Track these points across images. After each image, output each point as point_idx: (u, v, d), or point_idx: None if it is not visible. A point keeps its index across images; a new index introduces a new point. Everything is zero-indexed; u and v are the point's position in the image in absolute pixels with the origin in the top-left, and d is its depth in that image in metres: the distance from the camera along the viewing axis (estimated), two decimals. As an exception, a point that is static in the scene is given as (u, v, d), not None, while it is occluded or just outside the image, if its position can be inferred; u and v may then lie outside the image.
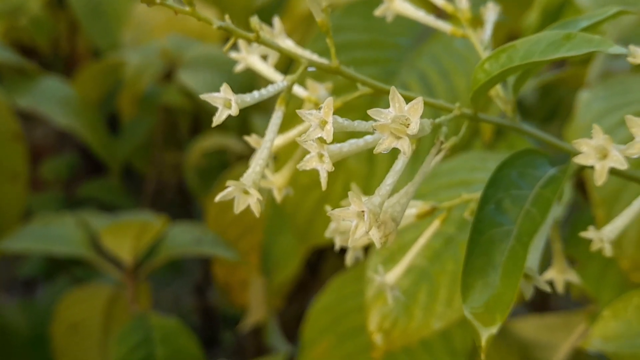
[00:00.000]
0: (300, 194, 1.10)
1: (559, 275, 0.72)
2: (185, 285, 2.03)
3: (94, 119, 1.76)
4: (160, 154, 1.91)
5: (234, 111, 0.53)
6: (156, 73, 1.75)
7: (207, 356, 1.60)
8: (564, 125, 1.03)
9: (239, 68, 0.68)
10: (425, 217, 0.68)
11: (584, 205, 1.06)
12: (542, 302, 1.48)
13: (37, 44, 2.05)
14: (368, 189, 1.08)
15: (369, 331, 0.93)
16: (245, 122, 1.57)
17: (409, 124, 0.50)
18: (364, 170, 1.08)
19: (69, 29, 2.12)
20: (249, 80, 1.50)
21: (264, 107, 1.44)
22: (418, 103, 0.49)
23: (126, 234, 1.34)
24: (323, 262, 1.68)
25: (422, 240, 0.69)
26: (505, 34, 1.39)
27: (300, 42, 1.50)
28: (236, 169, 1.52)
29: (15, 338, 1.60)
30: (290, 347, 1.52)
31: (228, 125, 1.57)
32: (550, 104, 1.42)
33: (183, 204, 2.05)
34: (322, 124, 0.51)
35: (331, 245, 0.68)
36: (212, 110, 0.55)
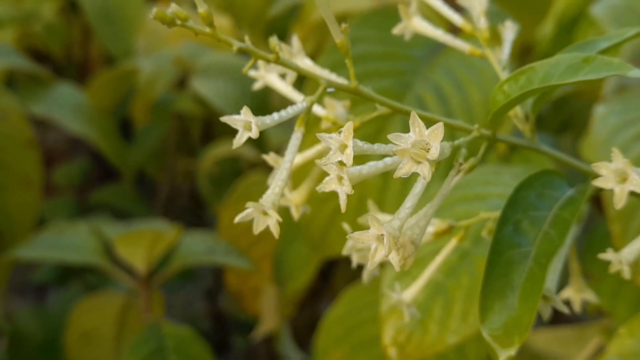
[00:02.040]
0: (314, 205, 1.10)
1: (576, 295, 0.72)
2: (196, 290, 2.04)
3: (107, 125, 1.76)
4: (173, 160, 1.92)
5: (254, 134, 0.53)
6: (169, 80, 1.75)
7: (219, 362, 1.60)
8: (580, 139, 1.03)
9: (257, 86, 0.68)
10: (442, 235, 0.68)
11: (599, 219, 1.06)
12: (555, 314, 1.48)
13: (51, 50, 2.06)
14: (382, 201, 1.08)
15: (384, 345, 0.93)
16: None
17: (429, 149, 0.50)
18: (378, 182, 1.08)
19: (82, 35, 2.13)
20: (262, 91, 1.50)
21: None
22: (439, 128, 0.49)
23: (140, 243, 1.34)
24: (335, 269, 1.68)
25: (439, 258, 0.69)
26: (520, 44, 1.39)
27: (314, 51, 1.51)
28: (249, 177, 1.52)
29: (27, 343, 1.61)
30: (302, 355, 1.53)
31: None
32: (563, 115, 1.42)
33: (195, 210, 2.05)
34: (342, 147, 0.51)
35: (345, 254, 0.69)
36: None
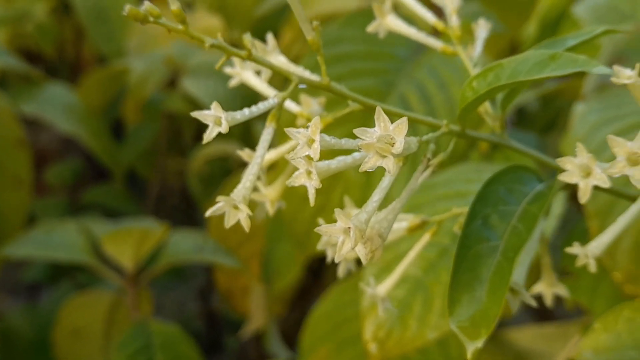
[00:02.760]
0: (298, 203, 1.11)
1: (547, 289, 0.73)
2: (189, 291, 2.04)
3: (98, 125, 1.77)
4: (164, 160, 1.92)
5: (224, 129, 0.54)
6: (160, 80, 1.76)
7: (210, 362, 1.61)
8: (560, 137, 1.04)
9: (233, 83, 0.69)
10: (415, 230, 0.69)
11: (579, 217, 1.06)
12: (545, 310, 1.49)
13: (43, 50, 2.06)
14: (364, 199, 1.08)
15: (364, 340, 0.94)
16: (247, 130, 1.58)
17: (394, 143, 0.51)
18: (361, 179, 1.09)
19: (74, 35, 2.14)
20: (251, 91, 1.51)
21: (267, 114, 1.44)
22: (402, 123, 0.50)
23: (127, 241, 1.35)
24: (325, 268, 1.68)
25: (412, 253, 0.70)
26: (507, 43, 1.40)
27: (302, 51, 1.51)
28: (238, 176, 1.53)
29: (18, 342, 1.62)
30: (290, 354, 1.53)
31: (231, 132, 1.57)
32: (550, 113, 1.43)
33: (186, 210, 2.06)
34: (310, 142, 0.52)
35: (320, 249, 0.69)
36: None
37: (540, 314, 1.48)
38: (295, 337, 1.59)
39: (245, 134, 1.59)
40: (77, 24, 2.07)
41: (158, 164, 1.92)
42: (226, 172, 1.76)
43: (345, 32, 1.17)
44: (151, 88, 1.75)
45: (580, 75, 1.23)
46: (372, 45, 1.15)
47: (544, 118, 1.49)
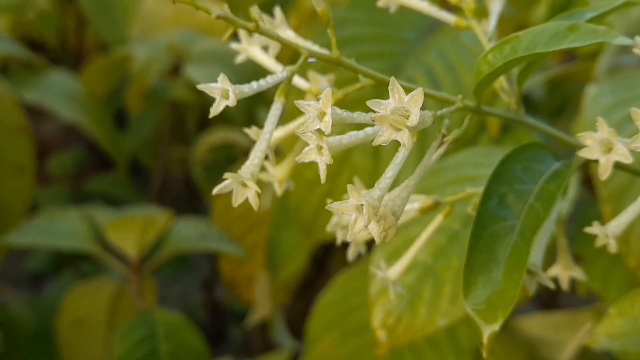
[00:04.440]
0: (305, 188, 1.09)
1: (563, 272, 0.71)
2: (193, 281, 2.03)
3: (101, 113, 1.75)
4: (167, 148, 1.91)
5: (232, 102, 0.52)
6: (163, 67, 1.74)
7: (215, 352, 1.59)
8: (572, 120, 1.02)
9: (239, 59, 0.67)
10: (428, 211, 0.67)
11: (591, 201, 1.04)
12: (550, 300, 1.47)
13: (45, 38, 2.04)
14: (372, 184, 1.07)
15: (373, 327, 0.92)
16: (252, 117, 1.57)
17: (408, 116, 0.49)
18: (369, 165, 1.07)
19: (76, 22, 2.12)
20: (256, 76, 1.50)
21: (271, 102, 1.43)
22: (418, 94, 0.48)
23: (131, 229, 1.33)
24: (330, 257, 1.67)
25: (424, 236, 0.68)
26: (515, 27, 1.38)
27: (308, 36, 1.50)
28: (243, 164, 1.51)
29: (21, 332, 1.60)
30: (295, 343, 1.52)
31: (235, 119, 1.56)
32: (558, 98, 1.41)
33: (190, 198, 2.04)
34: (321, 115, 0.50)
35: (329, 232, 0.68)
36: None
37: (546, 303, 1.46)
38: (300, 326, 1.58)
39: (250, 121, 1.57)
40: (79, 12, 2.05)
41: (161, 153, 1.91)
42: (230, 160, 1.74)
43: (351, 14, 1.15)
44: (154, 75, 1.73)
45: (590, 57, 1.21)
46: (379, 27, 1.13)
47: (550, 104, 1.47)
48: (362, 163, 1.07)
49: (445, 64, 1.09)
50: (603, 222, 0.81)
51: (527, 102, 1.54)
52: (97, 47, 2.12)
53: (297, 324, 1.62)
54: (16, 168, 1.49)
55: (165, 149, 1.90)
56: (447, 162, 0.94)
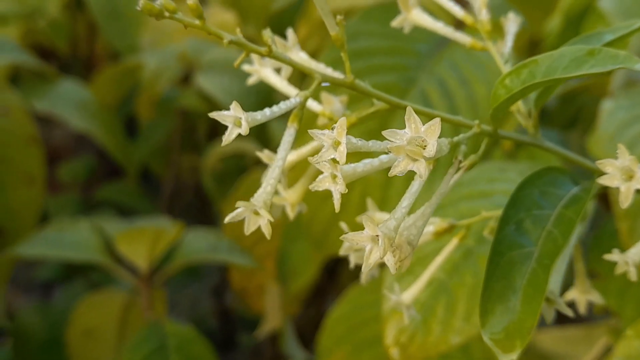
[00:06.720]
0: (316, 203, 1.08)
1: (581, 296, 0.70)
2: (203, 288, 2.02)
3: (112, 122, 1.75)
4: (178, 157, 1.90)
5: (244, 130, 0.51)
6: (174, 76, 1.74)
7: (225, 359, 1.58)
8: (587, 134, 1.01)
9: (251, 81, 0.66)
10: (443, 234, 0.66)
11: (606, 216, 1.03)
12: (562, 314, 1.45)
13: (56, 46, 2.04)
14: (385, 199, 1.06)
15: (386, 345, 0.91)
16: (263, 127, 1.56)
17: (425, 145, 0.48)
18: (381, 179, 1.06)
19: (87, 31, 2.11)
20: (267, 87, 1.49)
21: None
22: (436, 124, 0.47)
23: (141, 241, 1.33)
24: (341, 266, 1.66)
25: (439, 259, 0.67)
26: (527, 39, 1.37)
27: (319, 46, 1.49)
28: (253, 174, 1.51)
29: (31, 341, 1.60)
30: (306, 354, 1.51)
31: (246, 129, 1.54)
32: (571, 110, 1.39)
33: (200, 207, 2.04)
34: (336, 144, 0.49)
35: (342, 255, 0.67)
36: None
37: (560, 315, 1.44)
38: (309, 335, 1.57)
39: (261, 131, 1.56)
40: (90, 20, 2.05)
41: (172, 161, 1.90)
42: (241, 169, 1.73)
43: (363, 26, 1.14)
44: (165, 84, 1.73)
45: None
46: (391, 40, 1.12)
47: (564, 115, 1.45)
48: (374, 177, 1.06)
49: (458, 77, 1.08)
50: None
51: (540, 113, 1.53)
52: (108, 56, 2.12)
53: (306, 333, 1.61)
54: (26, 178, 1.49)
55: (175, 157, 1.89)
56: (461, 178, 0.93)
